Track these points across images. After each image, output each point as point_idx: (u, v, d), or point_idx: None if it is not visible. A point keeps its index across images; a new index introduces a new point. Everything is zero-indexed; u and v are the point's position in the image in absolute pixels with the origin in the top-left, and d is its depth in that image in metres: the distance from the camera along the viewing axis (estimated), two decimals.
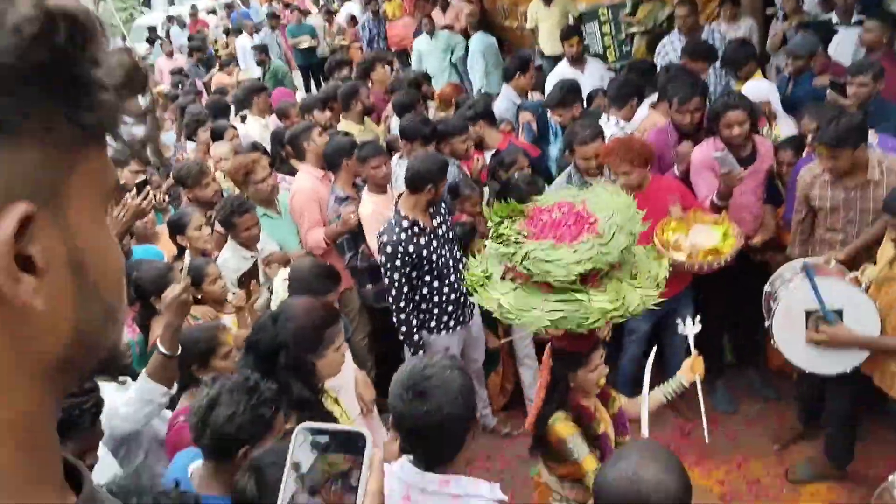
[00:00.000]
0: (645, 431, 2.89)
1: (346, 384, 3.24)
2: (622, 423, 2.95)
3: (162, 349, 2.60)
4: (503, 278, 2.69)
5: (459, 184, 4.94)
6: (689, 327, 3.13)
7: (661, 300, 4.00)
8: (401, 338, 4.21)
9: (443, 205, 4.29)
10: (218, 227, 4.45)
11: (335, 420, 2.53)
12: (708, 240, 3.97)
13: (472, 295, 2.74)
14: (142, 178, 4.46)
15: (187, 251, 4.26)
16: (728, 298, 4.47)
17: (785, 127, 4.78)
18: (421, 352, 4.15)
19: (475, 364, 4.59)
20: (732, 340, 4.83)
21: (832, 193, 3.67)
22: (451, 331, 4.25)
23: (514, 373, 4.97)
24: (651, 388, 2.97)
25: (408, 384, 1.88)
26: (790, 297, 3.29)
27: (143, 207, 3.93)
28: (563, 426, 2.65)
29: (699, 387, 3.11)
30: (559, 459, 2.71)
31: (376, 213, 4.44)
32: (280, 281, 3.17)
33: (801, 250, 4.00)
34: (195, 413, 1.98)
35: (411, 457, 1.96)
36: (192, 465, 2.11)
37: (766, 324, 3.56)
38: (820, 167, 3.70)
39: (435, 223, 4.13)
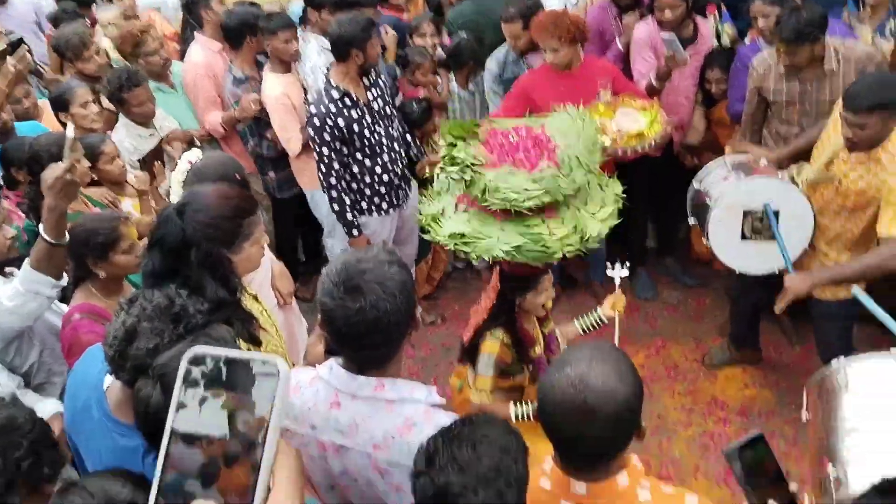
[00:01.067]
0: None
1: (264, 278, 3.00)
2: (552, 344, 2.95)
3: (45, 236, 2.32)
4: (456, 210, 2.56)
5: (408, 52, 4.56)
6: (618, 272, 3.11)
7: None
8: (336, 218, 3.96)
9: (381, 78, 3.93)
10: (107, 103, 3.96)
11: (254, 320, 2.29)
12: (634, 124, 3.84)
13: (425, 232, 2.59)
14: (16, 36, 3.83)
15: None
16: (652, 187, 4.42)
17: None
18: (355, 232, 3.93)
19: (405, 250, 4.41)
20: (656, 228, 4.82)
21: (787, 86, 3.53)
22: (382, 213, 4.00)
23: (444, 264, 4.89)
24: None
25: (340, 279, 1.63)
26: (727, 197, 3.18)
27: (20, 70, 3.42)
28: (491, 344, 2.67)
29: (617, 323, 3.07)
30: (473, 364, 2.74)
31: (282, 97, 4.03)
32: (176, 180, 2.77)
33: (752, 141, 3.90)
34: (110, 344, 1.68)
35: (340, 359, 1.76)
36: (108, 380, 1.83)
37: (692, 221, 3.50)
38: (773, 58, 3.54)
39: (369, 96, 3.78)
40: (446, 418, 1.64)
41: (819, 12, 3.30)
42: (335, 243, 4.40)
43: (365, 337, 1.64)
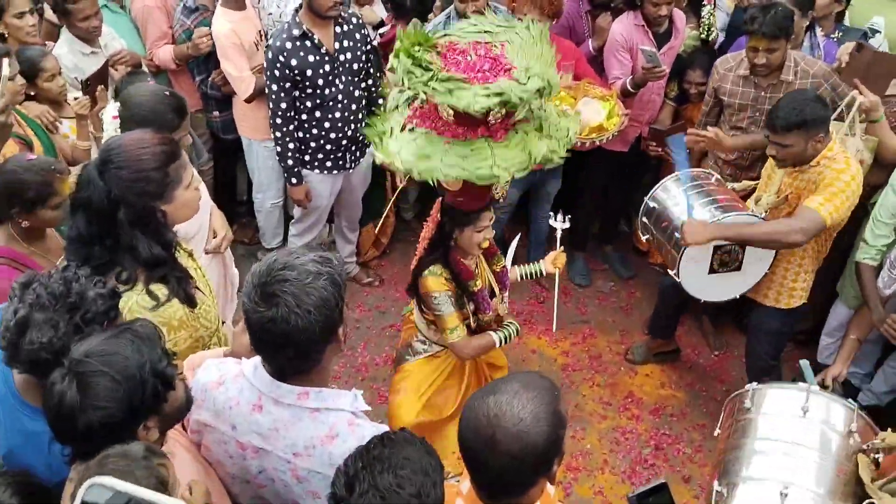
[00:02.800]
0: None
1: (202, 223, 2.87)
2: (503, 281, 3.00)
3: None
4: (403, 130, 2.49)
5: None
6: (559, 223, 3.26)
7: (534, 169, 3.98)
8: (278, 160, 3.85)
9: (362, 31, 3.74)
10: (51, 14, 3.69)
11: (189, 278, 2.20)
12: (594, 115, 3.85)
13: (370, 146, 2.52)
14: None
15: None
16: (608, 177, 4.44)
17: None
18: (294, 180, 3.82)
19: (348, 213, 4.33)
20: (601, 216, 4.87)
21: (743, 90, 3.56)
22: (325, 172, 3.88)
23: (394, 229, 4.82)
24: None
25: (260, 281, 1.56)
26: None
27: None
28: (434, 281, 2.73)
29: (556, 279, 3.30)
30: (428, 307, 2.82)
31: (231, 34, 3.79)
32: (109, 118, 2.59)
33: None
34: (2, 335, 1.59)
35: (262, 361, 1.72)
36: None
37: (644, 237, 3.53)
38: (736, 60, 3.57)
39: (337, 46, 3.61)
40: (371, 430, 1.63)
41: (790, 11, 3.33)
42: (265, 198, 4.30)
43: (277, 347, 1.59)
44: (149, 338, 1.57)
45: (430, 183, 2.41)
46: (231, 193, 4.73)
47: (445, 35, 2.57)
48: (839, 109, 3.32)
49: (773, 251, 3.20)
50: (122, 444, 1.42)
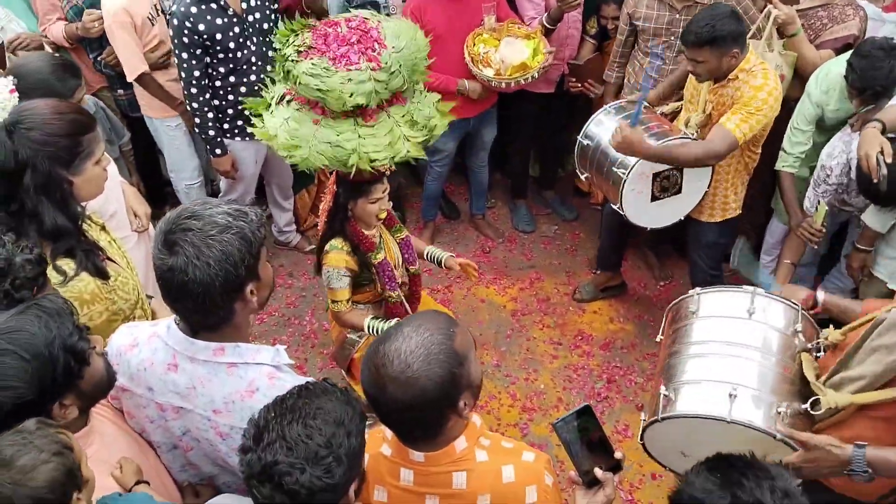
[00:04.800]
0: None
1: (119, 206, 2.78)
2: (407, 252, 2.96)
3: None
4: (281, 102, 2.50)
5: None
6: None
7: (466, 117, 3.94)
8: (198, 133, 3.72)
9: None
10: None
11: (101, 251, 2.12)
12: (518, 55, 3.79)
13: (251, 121, 2.56)
14: None
15: None
16: (538, 121, 4.41)
17: None
18: (218, 151, 3.70)
19: (279, 180, 4.23)
20: (540, 161, 4.84)
21: (658, 14, 3.53)
22: (249, 139, 3.73)
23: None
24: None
25: (165, 228, 1.52)
26: (638, 165, 3.11)
27: None
28: (335, 257, 2.70)
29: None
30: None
31: (121, 13, 3.56)
32: (5, 91, 2.46)
33: (617, 75, 3.93)
34: None
35: (177, 317, 1.66)
36: None
37: (583, 175, 3.50)
38: None
39: (244, 7, 3.47)
40: (293, 383, 1.56)
41: None
42: (178, 179, 4.15)
43: (176, 298, 1.54)
44: (58, 312, 1.50)
45: None
46: (156, 174, 4.56)
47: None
48: (755, 26, 3.33)
49: (710, 171, 3.21)
50: None
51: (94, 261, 2.04)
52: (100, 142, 2.06)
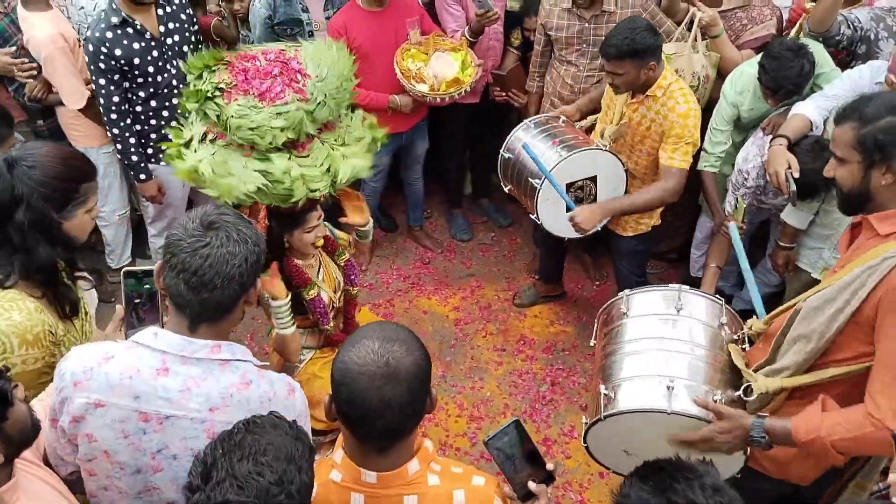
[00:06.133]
0: None
1: None
2: (352, 274, 2.94)
3: None
4: (203, 140, 2.44)
5: None
6: None
7: (400, 132, 3.97)
8: (121, 159, 3.63)
9: (187, 11, 3.52)
10: None
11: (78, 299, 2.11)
12: (448, 70, 3.84)
13: (168, 163, 2.51)
14: None
15: None
16: (468, 132, 4.47)
17: None
18: (143, 176, 3.61)
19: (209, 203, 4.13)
20: (471, 172, 4.90)
21: (568, 23, 3.63)
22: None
23: None
24: None
25: (197, 216, 1.62)
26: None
27: None
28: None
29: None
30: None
31: (57, 38, 3.47)
32: None
33: (538, 84, 4.02)
34: None
35: (167, 326, 1.68)
36: None
37: (507, 187, 3.57)
38: None
39: (162, 30, 3.40)
40: (276, 376, 1.69)
41: None
42: (110, 211, 3.97)
43: (204, 274, 1.57)
44: None
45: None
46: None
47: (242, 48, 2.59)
48: (680, 29, 3.48)
49: (624, 181, 3.32)
50: None
51: (70, 297, 2.05)
52: (96, 192, 2.09)
